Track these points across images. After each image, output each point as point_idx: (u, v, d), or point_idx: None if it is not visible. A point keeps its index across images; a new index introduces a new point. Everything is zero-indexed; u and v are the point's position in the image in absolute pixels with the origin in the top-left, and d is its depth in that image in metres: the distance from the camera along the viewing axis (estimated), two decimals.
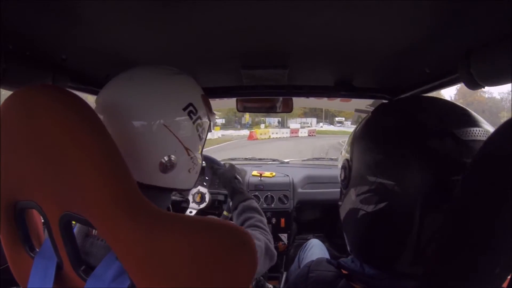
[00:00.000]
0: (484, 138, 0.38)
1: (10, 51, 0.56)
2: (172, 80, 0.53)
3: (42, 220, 0.44)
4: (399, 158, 0.42)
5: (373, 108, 0.53)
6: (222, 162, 1.01)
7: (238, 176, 0.92)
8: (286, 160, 2.09)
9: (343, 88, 1.01)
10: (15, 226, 0.45)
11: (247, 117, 26.26)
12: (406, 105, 0.50)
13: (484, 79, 0.55)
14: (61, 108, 0.35)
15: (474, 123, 0.43)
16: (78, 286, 0.40)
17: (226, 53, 0.72)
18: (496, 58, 0.51)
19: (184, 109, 0.52)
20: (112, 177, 0.34)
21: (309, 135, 22.83)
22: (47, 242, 0.44)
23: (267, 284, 1.23)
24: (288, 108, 1.30)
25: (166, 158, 0.50)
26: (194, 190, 1.17)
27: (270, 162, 2.06)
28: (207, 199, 1.17)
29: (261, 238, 0.67)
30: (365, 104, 1.54)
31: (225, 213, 1.08)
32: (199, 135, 0.55)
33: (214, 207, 1.43)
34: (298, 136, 21.85)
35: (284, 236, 1.56)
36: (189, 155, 0.54)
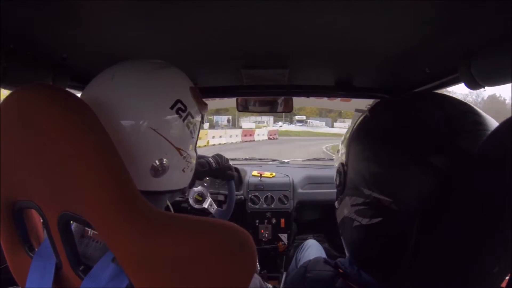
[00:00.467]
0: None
1: (11, 50, 0.56)
2: (156, 76, 0.49)
3: (41, 220, 0.44)
4: (397, 172, 0.38)
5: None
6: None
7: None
8: (286, 160, 2.09)
9: (343, 88, 1.01)
10: (14, 226, 0.45)
11: None
12: (408, 107, 0.45)
13: (484, 79, 0.55)
14: (60, 108, 0.35)
15: (485, 129, 0.37)
16: (76, 286, 0.40)
17: (226, 53, 0.72)
18: (496, 58, 0.51)
19: (172, 107, 0.47)
20: (111, 177, 0.34)
21: (269, 138, 17.23)
22: (46, 242, 0.44)
23: (267, 284, 1.23)
24: (288, 108, 1.30)
25: (157, 162, 0.47)
26: (194, 190, 1.17)
27: (270, 163, 2.06)
28: (207, 199, 1.17)
29: None
30: (365, 104, 1.54)
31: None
32: (190, 132, 0.51)
33: (215, 188, 1.43)
34: (254, 141, 15.76)
35: (284, 236, 1.56)
36: (181, 155, 0.50)
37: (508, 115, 0.31)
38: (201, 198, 1.14)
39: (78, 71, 0.78)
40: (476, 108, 0.41)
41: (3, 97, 0.40)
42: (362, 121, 0.48)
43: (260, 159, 2.15)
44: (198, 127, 0.55)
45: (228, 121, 23.69)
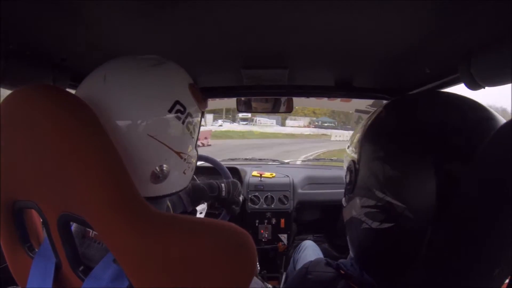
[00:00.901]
0: None
1: (10, 50, 0.56)
2: (153, 75, 0.45)
3: (41, 220, 0.44)
4: (413, 178, 0.36)
5: (373, 108, 0.51)
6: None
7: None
8: (286, 161, 2.09)
9: (343, 88, 1.01)
10: (13, 225, 0.45)
11: None
12: (429, 108, 0.42)
13: (485, 79, 0.55)
14: (60, 109, 0.35)
15: None
16: (76, 286, 0.40)
17: (226, 53, 0.72)
18: (496, 58, 0.51)
19: (170, 110, 0.44)
20: (110, 178, 0.34)
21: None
22: (46, 242, 0.44)
23: (267, 284, 1.23)
24: (288, 108, 1.31)
25: (157, 169, 0.44)
26: None
27: (271, 163, 2.06)
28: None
29: None
30: (365, 104, 1.54)
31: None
32: (190, 133, 0.48)
33: (214, 207, 1.43)
34: None
35: (284, 237, 1.56)
36: (182, 158, 0.47)
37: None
38: None
39: (78, 71, 0.77)
40: (493, 111, 0.40)
41: (3, 97, 0.40)
42: (375, 121, 0.45)
43: (260, 159, 2.15)
44: (198, 126, 0.52)
45: None
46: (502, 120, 0.39)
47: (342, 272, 0.47)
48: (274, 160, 2.13)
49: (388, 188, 0.38)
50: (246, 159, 2.17)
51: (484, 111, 0.40)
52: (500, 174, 0.31)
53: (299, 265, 1.05)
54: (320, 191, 1.62)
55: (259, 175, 1.62)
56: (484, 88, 0.57)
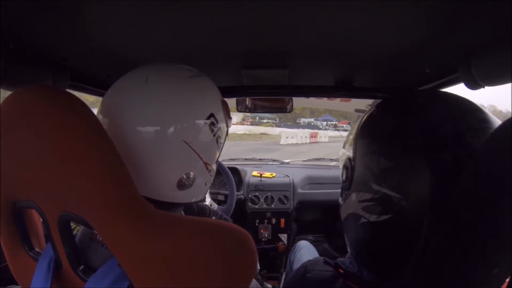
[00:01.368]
0: None
1: (11, 50, 0.56)
2: (192, 86, 0.47)
3: (41, 220, 0.44)
4: (407, 168, 0.38)
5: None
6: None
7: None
8: (286, 161, 2.09)
9: (343, 88, 1.01)
10: (14, 225, 0.45)
11: None
12: (416, 103, 0.44)
13: (484, 79, 0.55)
14: (60, 109, 0.35)
15: (490, 127, 0.38)
16: (77, 286, 0.40)
17: (226, 53, 0.72)
18: (496, 58, 0.51)
19: (205, 122, 0.46)
20: (110, 178, 0.34)
21: None
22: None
23: (267, 284, 1.23)
24: (289, 108, 1.31)
25: (185, 176, 0.46)
26: None
27: (271, 163, 2.06)
28: (207, 199, 1.17)
29: None
30: (365, 104, 1.54)
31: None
32: (218, 147, 0.50)
33: None
34: None
35: (284, 237, 1.56)
36: (207, 169, 0.49)
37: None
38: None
39: (79, 71, 0.78)
40: (481, 106, 0.42)
41: (3, 97, 0.41)
42: (369, 119, 0.47)
43: (260, 159, 2.15)
44: (223, 142, 0.53)
45: None
46: (486, 112, 0.41)
47: (341, 270, 0.48)
48: (274, 160, 2.13)
49: (383, 179, 0.39)
50: (246, 159, 2.17)
51: (470, 103, 0.42)
52: (499, 171, 0.31)
53: (295, 266, 1.05)
54: (320, 191, 1.62)
55: (259, 175, 1.63)
56: (484, 87, 0.57)
